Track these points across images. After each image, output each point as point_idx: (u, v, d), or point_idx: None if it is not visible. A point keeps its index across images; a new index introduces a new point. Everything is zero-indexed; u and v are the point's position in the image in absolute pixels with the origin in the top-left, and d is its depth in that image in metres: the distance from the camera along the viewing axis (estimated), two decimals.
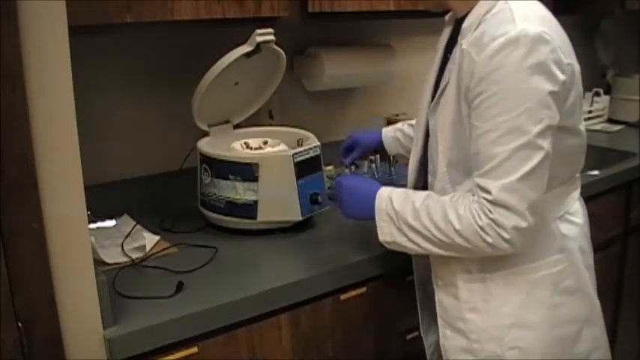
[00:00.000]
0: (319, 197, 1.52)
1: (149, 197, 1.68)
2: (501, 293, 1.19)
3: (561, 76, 1.07)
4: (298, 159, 1.49)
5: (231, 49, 1.50)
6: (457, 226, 1.10)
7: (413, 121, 1.62)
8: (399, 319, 1.49)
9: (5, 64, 0.90)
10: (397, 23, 2.09)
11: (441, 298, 1.28)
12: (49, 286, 1.00)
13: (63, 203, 1.00)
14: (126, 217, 1.56)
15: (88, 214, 1.06)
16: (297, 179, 1.48)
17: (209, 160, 1.51)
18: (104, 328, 1.09)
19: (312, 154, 1.53)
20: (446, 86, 1.18)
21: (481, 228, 1.08)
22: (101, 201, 1.46)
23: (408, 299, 1.44)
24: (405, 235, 1.18)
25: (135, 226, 1.49)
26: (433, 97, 1.25)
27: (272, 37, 1.51)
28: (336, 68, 1.92)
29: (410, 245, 1.19)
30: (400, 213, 1.18)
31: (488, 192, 1.07)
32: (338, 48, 1.96)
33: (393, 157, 1.93)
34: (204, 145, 1.55)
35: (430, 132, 1.25)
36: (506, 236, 1.07)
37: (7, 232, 0.94)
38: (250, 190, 1.47)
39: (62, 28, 0.96)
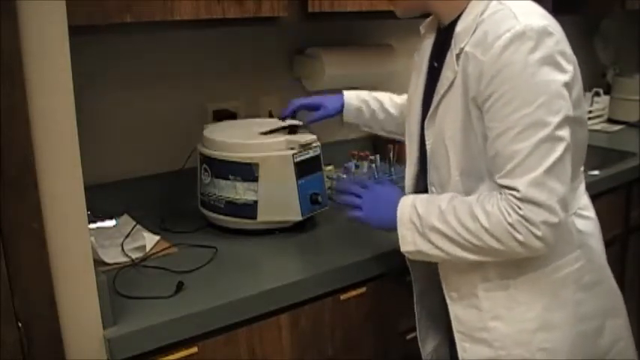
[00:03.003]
0: (319, 197, 1.52)
1: (149, 197, 1.68)
2: (526, 299, 1.17)
3: (569, 67, 1.07)
4: (298, 159, 1.49)
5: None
6: (485, 224, 1.07)
7: (377, 93, 1.59)
8: (398, 319, 1.49)
9: (5, 63, 0.90)
10: (397, 23, 2.07)
11: (458, 311, 1.24)
12: (49, 286, 1.00)
13: (63, 203, 1.00)
14: (126, 217, 1.56)
15: (88, 214, 1.06)
16: (297, 179, 1.47)
17: (209, 160, 1.51)
18: (104, 328, 1.09)
19: (312, 154, 1.53)
20: (445, 94, 1.15)
21: (511, 225, 1.05)
22: (101, 201, 1.46)
23: (408, 299, 1.43)
24: (430, 242, 1.14)
25: (135, 226, 1.49)
26: (425, 109, 1.22)
27: None
28: (336, 68, 1.92)
29: (435, 252, 1.14)
30: (424, 218, 1.14)
31: (515, 190, 1.04)
32: (338, 48, 1.96)
33: (393, 157, 1.93)
34: (208, 144, 1.55)
35: (431, 144, 1.21)
36: (538, 232, 1.04)
37: (7, 232, 0.94)
38: (250, 190, 1.47)
39: (62, 28, 0.96)
